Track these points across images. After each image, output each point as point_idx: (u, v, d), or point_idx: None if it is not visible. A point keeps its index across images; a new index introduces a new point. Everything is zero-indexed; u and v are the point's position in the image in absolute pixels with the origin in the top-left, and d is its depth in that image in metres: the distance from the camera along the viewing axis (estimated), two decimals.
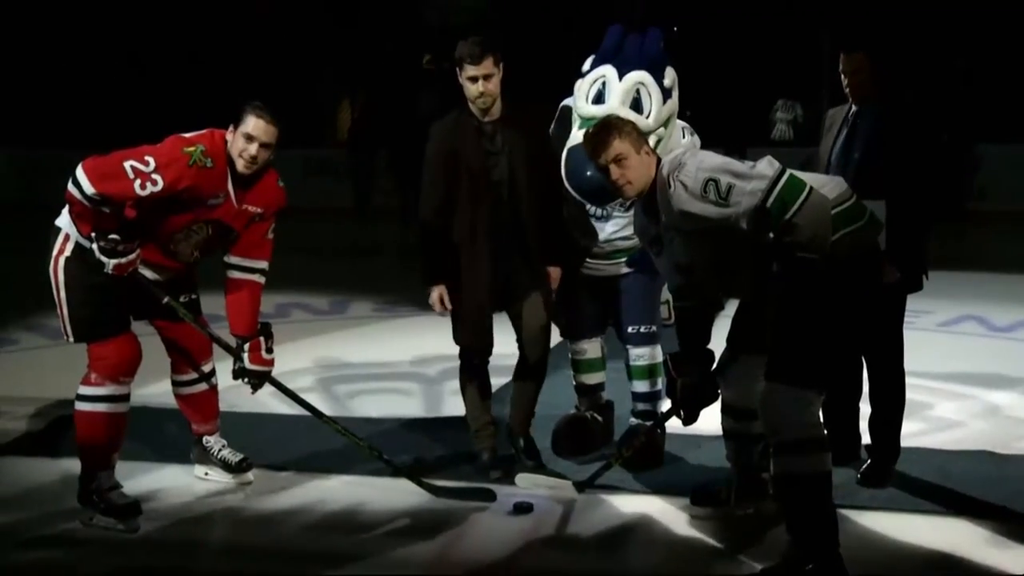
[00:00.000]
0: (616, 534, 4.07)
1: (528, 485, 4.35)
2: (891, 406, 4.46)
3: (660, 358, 4.77)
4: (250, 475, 4.53)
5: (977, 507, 4.18)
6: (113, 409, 4.13)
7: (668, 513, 4.20)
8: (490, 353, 4.64)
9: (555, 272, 4.59)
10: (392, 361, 6.60)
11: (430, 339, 6.47)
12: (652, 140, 4.26)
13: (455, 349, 4.68)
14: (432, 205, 4.48)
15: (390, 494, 4.40)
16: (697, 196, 3.57)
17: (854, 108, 4.45)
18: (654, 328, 4.75)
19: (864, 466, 4.45)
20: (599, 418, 4.96)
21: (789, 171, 3.57)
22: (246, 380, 4.32)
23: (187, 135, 4.11)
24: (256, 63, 16.58)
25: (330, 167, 16.14)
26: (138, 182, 3.91)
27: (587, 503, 4.30)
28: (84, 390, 4.15)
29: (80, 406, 4.15)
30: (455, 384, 4.80)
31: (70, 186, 3.93)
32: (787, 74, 15.55)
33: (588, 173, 4.22)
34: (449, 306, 4.49)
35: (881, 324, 4.19)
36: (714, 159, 3.68)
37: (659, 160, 3.79)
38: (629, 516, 4.19)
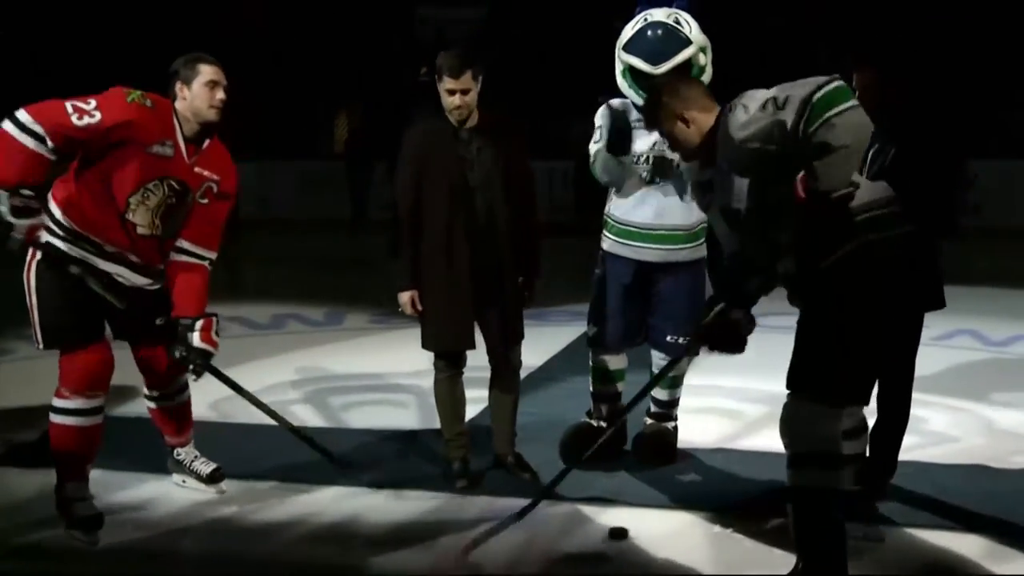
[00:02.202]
0: (613, 547, 4.04)
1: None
2: (895, 422, 4.43)
3: (686, 369, 4.85)
4: (223, 485, 4.50)
5: (972, 521, 4.17)
6: (84, 423, 4.07)
7: (667, 526, 4.19)
8: (465, 362, 4.66)
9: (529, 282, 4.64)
10: (388, 372, 6.59)
11: (426, 351, 6.47)
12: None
13: None
14: (407, 209, 4.51)
15: (382, 505, 4.39)
16: (756, 111, 3.47)
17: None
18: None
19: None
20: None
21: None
22: (190, 362, 4.18)
23: None
24: (252, 75, 16.60)
25: (326, 179, 16.15)
26: (76, 115, 3.84)
27: (584, 515, 4.27)
28: (55, 402, 4.09)
29: (52, 418, 4.10)
30: None
31: (6, 123, 3.84)
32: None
33: (649, 32, 4.66)
34: (420, 308, 4.51)
35: (899, 339, 4.14)
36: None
37: (720, 110, 3.66)
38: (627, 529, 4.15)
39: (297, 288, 9.17)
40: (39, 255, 4.05)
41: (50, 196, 4.11)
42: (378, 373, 6.62)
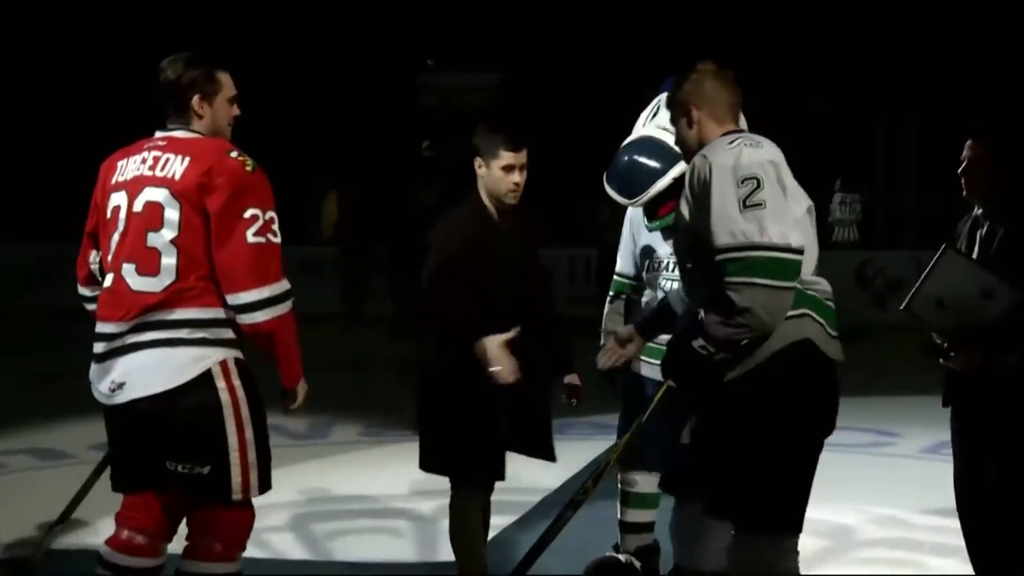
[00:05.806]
0: None
1: None
2: None
3: None
4: None
5: None
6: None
7: None
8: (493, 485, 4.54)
9: (574, 379, 4.56)
10: (381, 495, 6.41)
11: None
12: None
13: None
14: (463, 316, 4.19)
15: None
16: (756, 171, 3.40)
17: (978, 211, 4.33)
18: None
19: None
20: (637, 564, 4.71)
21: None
22: None
23: None
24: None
25: (316, 267, 15.85)
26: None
27: None
28: None
29: None
30: None
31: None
32: (838, 164, 15.81)
33: (625, 158, 4.64)
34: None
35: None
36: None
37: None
38: None
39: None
40: None
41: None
42: (369, 495, 6.45)
